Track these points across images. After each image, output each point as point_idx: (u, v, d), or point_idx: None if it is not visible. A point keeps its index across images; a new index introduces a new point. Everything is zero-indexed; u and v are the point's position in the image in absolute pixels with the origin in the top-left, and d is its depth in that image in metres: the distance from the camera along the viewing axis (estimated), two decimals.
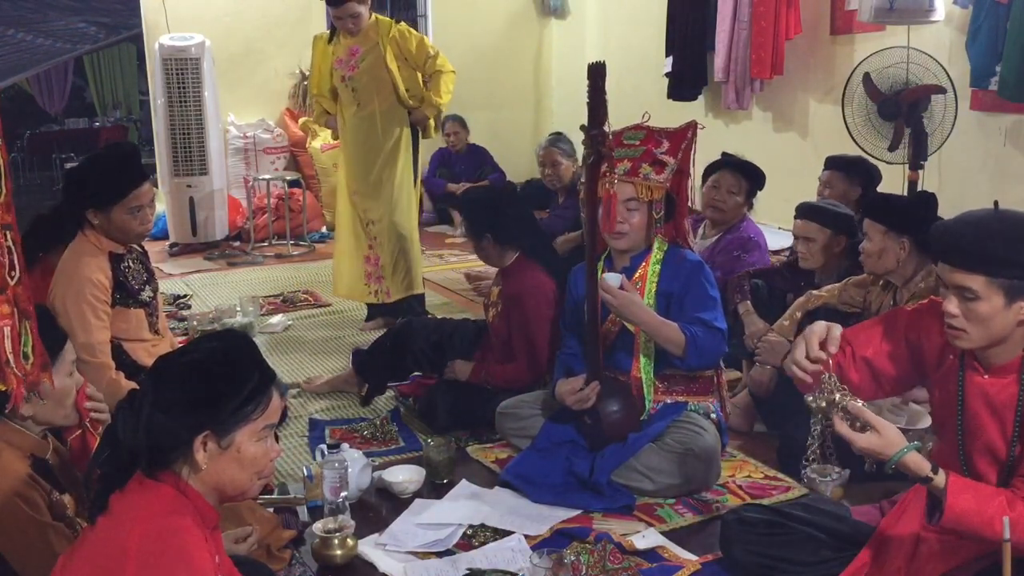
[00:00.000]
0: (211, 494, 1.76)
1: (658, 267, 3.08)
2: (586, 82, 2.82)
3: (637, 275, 3.08)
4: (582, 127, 2.97)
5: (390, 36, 4.67)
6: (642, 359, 3.06)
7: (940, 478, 1.96)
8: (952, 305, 2.00)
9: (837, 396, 1.98)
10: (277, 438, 1.88)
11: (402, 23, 4.78)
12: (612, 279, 2.97)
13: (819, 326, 2.11)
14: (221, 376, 1.74)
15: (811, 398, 2.02)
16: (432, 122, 4.89)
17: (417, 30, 6.94)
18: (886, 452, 1.95)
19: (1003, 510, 1.91)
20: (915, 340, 2.20)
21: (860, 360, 2.21)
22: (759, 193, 4.28)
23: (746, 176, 4.19)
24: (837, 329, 2.10)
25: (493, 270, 3.83)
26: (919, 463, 1.96)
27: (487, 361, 3.63)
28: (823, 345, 2.07)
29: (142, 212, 3.25)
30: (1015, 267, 1.94)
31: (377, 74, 4.69)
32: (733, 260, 4.09)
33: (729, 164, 4.23)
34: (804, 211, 3.67)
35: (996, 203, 2.06)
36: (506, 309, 3.58)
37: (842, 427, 1.97)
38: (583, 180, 3.19)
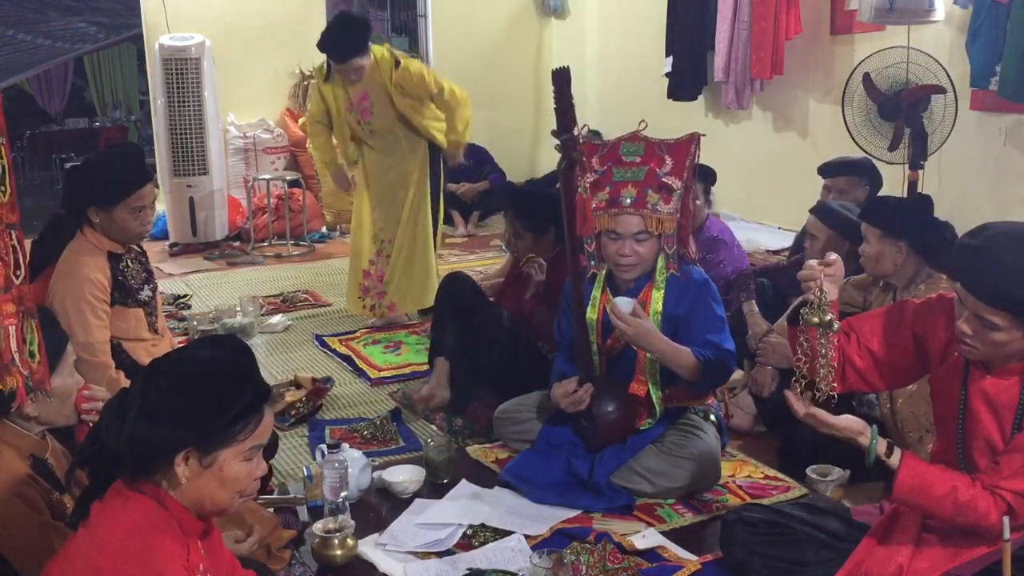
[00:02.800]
0: (191, 508, 1.70)
1: (663, 288, 3.00)
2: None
3: (640, 296, 2.99)
4: (553, 132, 2.94)
5: (393, 82, 4.58)
6: (649, 384, 3.02)
7: (895, 458, 2.07)
8: (967, 327, 1.99)
9: (829, 317, 2.11)
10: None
11: (401, 61, 4.63)
12: (624, 304, 2.88)
13: (815, 261, 2.19)
14: (211, 393, 1.66)
15: (805, 310, 2.12)
16: (459, 151, 4.87)
17: (417, 30, 6.93)
18: (864, 435, 2.09)
19: (951, 494, 1.99)
20: (920, 334, 2.20)
21: (865, 349, 2.22)
22: (715, 188, 4.34)
23: (699, 177, 4.16)
24: (833, 254, 2.19)
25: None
26: (880, 445, 2.09)
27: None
28: (821, 262, 2.15)
29: (143, 213, 3.26)
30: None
31: (391, 113, 4.67)
32: (699, 262, 4.07)
33: None
34: (816, 209, 3.72)
35: None
36: (550, 295, 3.65)
37: (821, 414, 2.10)
38: (558, 185, 3.14)
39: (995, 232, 1.98)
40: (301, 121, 7.73)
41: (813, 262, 2.16)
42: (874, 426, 2.11)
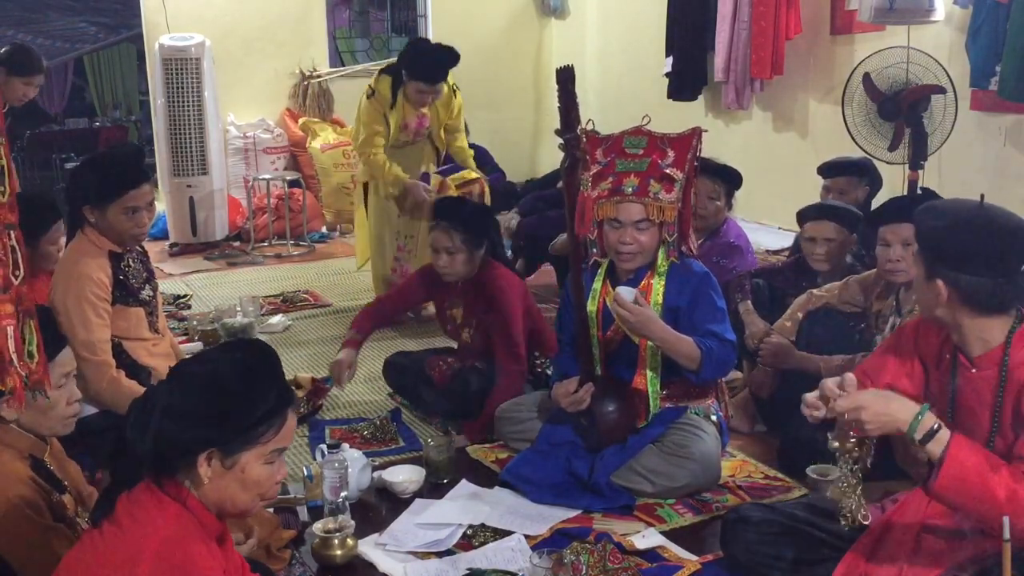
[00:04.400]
0: (212, 509, 1.72)
1: (663, 279, 3.01)
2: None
3: (641, 286, 3.01)
4: (557, 131, 2.94)
5: (449, 107, 4.88)
6: (648, 373, 3.03)
7: (944, 433, 1.94)
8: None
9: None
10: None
11: (458, 92, 4.94)
12: (627, 293, 2.90)
13: (831, 380, 2.07)
14: (235, 394, 1.68)
15: (836, 444, 2.06)
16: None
17: (417, 30, 6.99)
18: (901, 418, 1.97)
19: (1006, 480, 1.89)
20: (921, 351, 2.21)
21: (883, 388, 2.20)
22: (739, 192, 4.27)
23: (723, 179, 4.14)
24: (849, 375, 2.07)
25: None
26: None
27: (464, 363, 3.72)
28: (839, 387, 2.04)
29: (138, 214, 3.23)
30: (938, 245, 2.04)
31: (435, 131, 4.99)
32: (713, 266, 4.04)
33: (706, 170, 4.18)
34: (820, 212, 3.66)
35: (982, 196, 2.10)
36: (482, 318, 3.65)
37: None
38: (560, 184, 3.15)
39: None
40: (301, 121, 7.73)
41: (829, 383, 2.06)
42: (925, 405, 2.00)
